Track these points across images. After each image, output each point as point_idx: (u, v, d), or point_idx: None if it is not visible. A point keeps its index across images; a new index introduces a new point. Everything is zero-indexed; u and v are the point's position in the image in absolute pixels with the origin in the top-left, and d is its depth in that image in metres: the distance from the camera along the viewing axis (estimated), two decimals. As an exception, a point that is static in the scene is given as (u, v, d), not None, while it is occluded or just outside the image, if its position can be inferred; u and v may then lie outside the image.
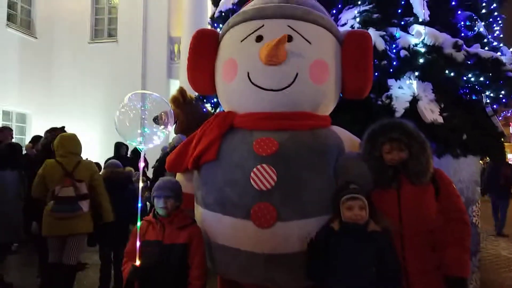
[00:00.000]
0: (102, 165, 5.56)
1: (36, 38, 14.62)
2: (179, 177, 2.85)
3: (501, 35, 4.81)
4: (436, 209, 2.27)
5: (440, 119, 3.96)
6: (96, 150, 11.82)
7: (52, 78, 15.05)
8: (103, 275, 4.16)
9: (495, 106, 4.78)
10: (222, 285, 2.74)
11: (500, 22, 4.81)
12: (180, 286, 2.42)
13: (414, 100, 3.98)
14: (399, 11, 4.13)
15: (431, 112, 4.02)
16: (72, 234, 3.72)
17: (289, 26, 2.49)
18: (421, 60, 3.96)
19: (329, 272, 2.16)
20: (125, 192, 4.02)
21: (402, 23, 4.11)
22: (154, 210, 2.56)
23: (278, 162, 2.30)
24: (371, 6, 4.12)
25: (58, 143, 3.90)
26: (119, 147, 7.50)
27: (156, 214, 2.52)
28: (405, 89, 4.08)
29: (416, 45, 4.01)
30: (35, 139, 6.53)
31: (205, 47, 2.74)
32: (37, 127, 12.83)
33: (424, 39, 3.99)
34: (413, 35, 4.06)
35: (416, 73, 4.01)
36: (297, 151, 2.36)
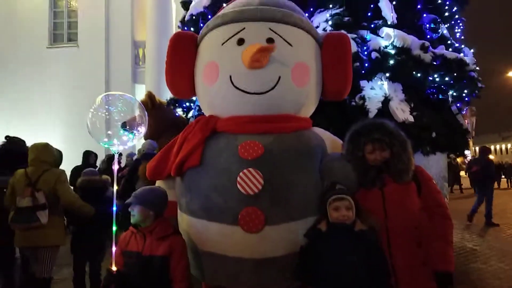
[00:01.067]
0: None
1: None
2: (160, 184, 2.76)
3: (462, 37, 5.05)
4: (419, 205, 2.33)
5: (411, 118, 4.11)
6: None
7: (7, 85, 14.33)
8: None
9: (458, 105, 5.01)
10: (208, 292, 2.68)
11: (461, 24, 5.06)
12: None
13: (386, 101, 4.11)
14: (369, 14, 4.25)
15: (402, 111, 4.15)
16: (41, 246, 3.60)
17: (270, 29, 2.49)
18: (392, 62, 4.08)
19: (318, 273, 2.17)
20: (101, 202, 3.87)
21: (372, 26, 4.24)
22: None
23: (264, 166, 2.28)
24: (342, 9, 4.21)
25: (29, 151, 3.80)
26: (88, 156, 7.24)
27: (137, 224, 2.43)
28: (377, 90, 4.20)
29: (386, 47, 4.13)
30: None
31: (184, 50, 2.69)
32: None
33: (393, 41, 4.13)
34: (383, 37, 4.18)
35: (387, 74, 4.14)
36: (282, 154, 2.36)
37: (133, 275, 2.33)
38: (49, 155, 3.84)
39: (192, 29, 5.25)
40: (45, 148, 3.85)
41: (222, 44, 2.52)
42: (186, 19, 5.25)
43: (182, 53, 2.69)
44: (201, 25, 4.99)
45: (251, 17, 2.52)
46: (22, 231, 3.55)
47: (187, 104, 5.93)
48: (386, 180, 2.35)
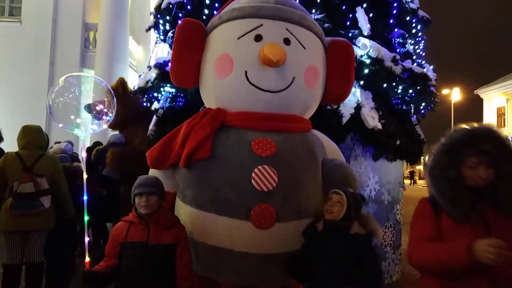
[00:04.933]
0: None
1: None
2: (156, 174, 2.67)
3: (423, 54, 5.51)
4: None
5: (380, 126, 4.39)
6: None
7: None
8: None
9: (415, 117, 5.44)
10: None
11: (422, 42, 5.50)
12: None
13: (358, 107, 4.35)
14: (348, 23, 4.46)
15: (372, 118, 4.42)
16: (32, 230, 3.43)
17: (287, 29, 2.52)
18: (366, 71, 4.33)
19: (311, 271, 2.21)
20: (72, 188, 3.71)
21: (350, 35, 4.45)
22: (135, 209, 2.39)
23: (278, 163, 2.32)
24: (322, 15, 4.38)
25: (20, 134, 3.55)
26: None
27: (140, 214, 2.36)
28: (350, 96, 4.42)
29: (361, 56, 4.37)
30: None
31: (193, 39, 2.62)
32: None
33: (369, 51, 4.38)
34: (359, 46, 4.42)
35: (361, 82, 4.38)
36: (293, 153, 2.42)
37: (135, 265, 2.26)
38: (43, 139, 3.65)
39: (167, 17, 5.13)
40: (39, 131, 3.64)
41: (238, 38, 2.50)
42: (162, 7, 5.08)
43: (192, 41, 2.61)
44: (180, 14, 4.89)
45: (269, 14, 2.52)
46: (19, 217, 3.33)
47: (155, 94, 5.75)
48: (487, 211, 1.70)
